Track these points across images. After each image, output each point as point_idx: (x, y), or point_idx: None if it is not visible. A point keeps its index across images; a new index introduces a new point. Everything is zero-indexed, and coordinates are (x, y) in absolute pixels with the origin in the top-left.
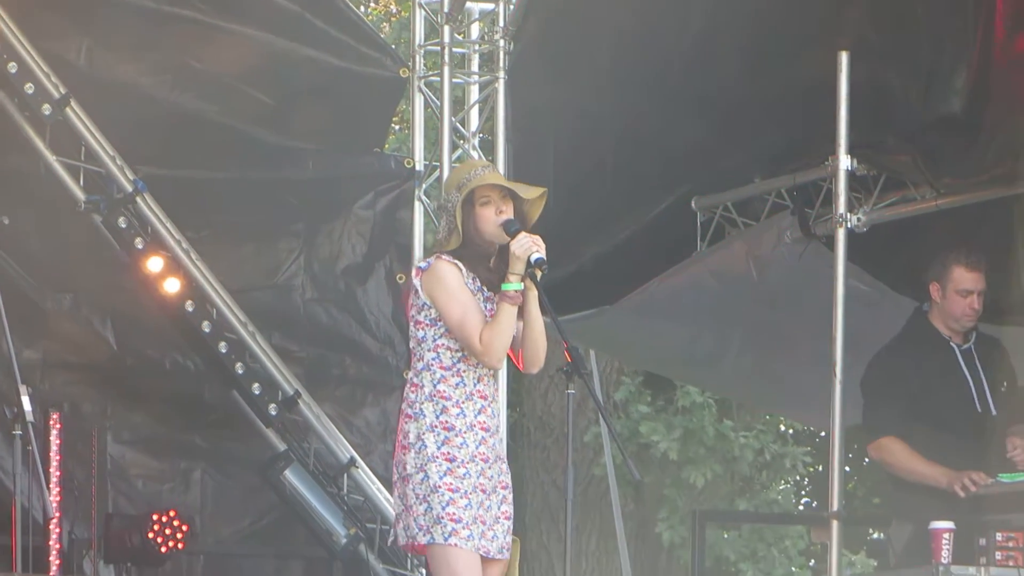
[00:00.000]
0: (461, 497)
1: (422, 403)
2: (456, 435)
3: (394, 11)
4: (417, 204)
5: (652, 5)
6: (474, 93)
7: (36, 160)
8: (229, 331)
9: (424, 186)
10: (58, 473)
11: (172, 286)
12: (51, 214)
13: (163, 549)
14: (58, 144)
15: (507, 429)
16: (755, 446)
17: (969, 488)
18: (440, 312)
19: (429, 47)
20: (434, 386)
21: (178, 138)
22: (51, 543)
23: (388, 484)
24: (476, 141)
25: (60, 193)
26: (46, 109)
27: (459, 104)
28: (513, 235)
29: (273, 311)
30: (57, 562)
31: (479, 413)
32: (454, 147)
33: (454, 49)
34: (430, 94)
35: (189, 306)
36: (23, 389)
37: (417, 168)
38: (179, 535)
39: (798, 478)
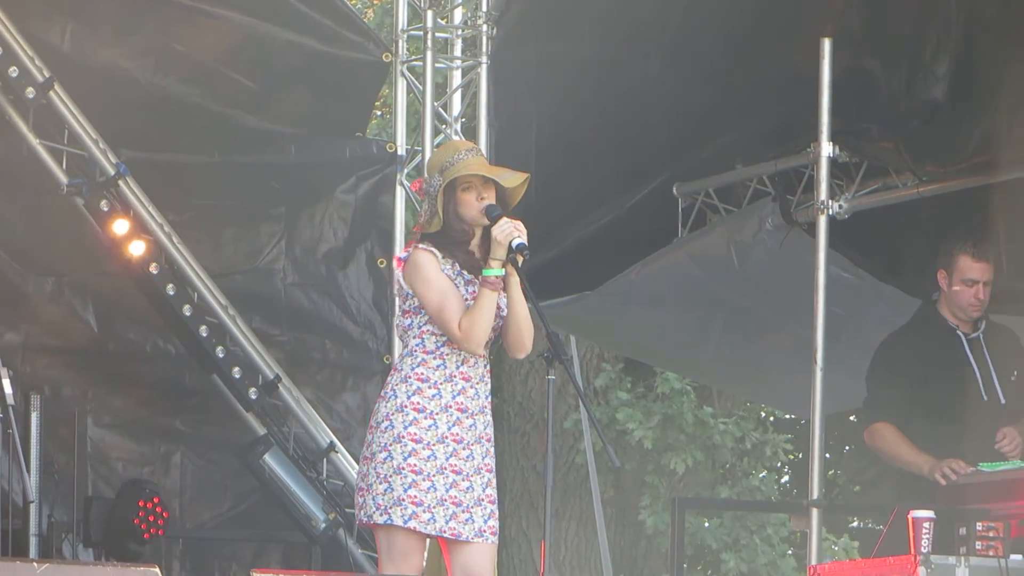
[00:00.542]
0: (424, 479)
1: (396, 385)
2: (426, 416)
3: None
4: (399, 189)
5: None
6: (456, 78)
7: (19, 143)
8: (210, 315)
9: (406, 170)
10: (38, 457)
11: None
12: (34, 197)
13: (146, 535)
14: (41, 127)
15: None
16: (735, 433)
17: (949, 476)
18: (420, 300)
19: (412, 32)
20: (412, 369)
21: (160, 122)
22: (30, 526)
23: None
24: (458, 126)
25: (43, 176)
26: (30, 92)
27: (441, 89)
28: (495, 220)
29: (254, 295)
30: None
31: (458, 394)
32: (436, 132)
33: (437, 34)
34: (413, 79)
35: (171, 289)
36: (4, 372)
37: (399, 153)
38: (160, 521)
39: (779, 465)
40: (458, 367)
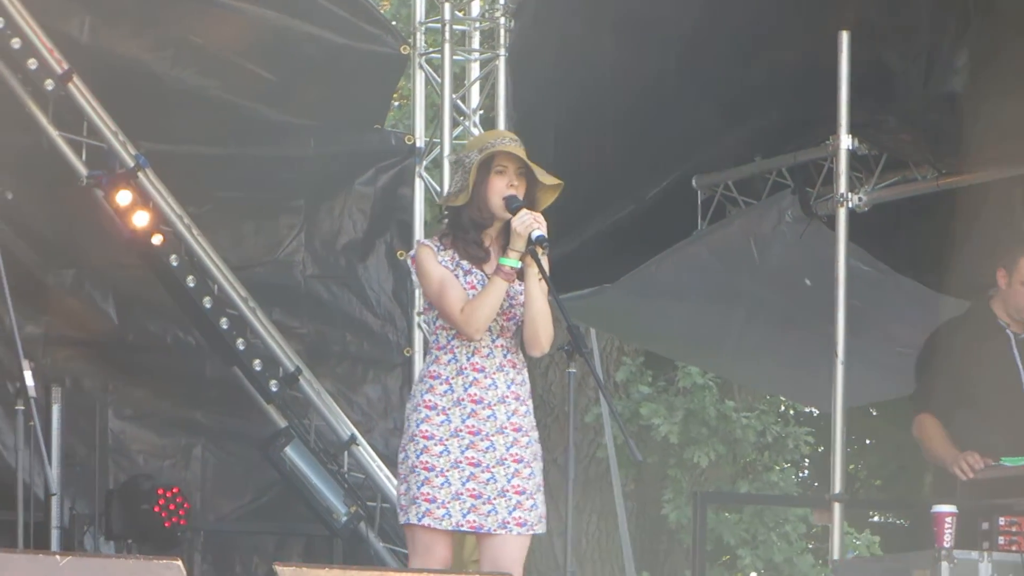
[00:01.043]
0: (437, 476)
1: (415, 385)
2: (438, 413)
3: None
4: (418, 181)
5: None
6: (475, 70)
7: (39, 135)
8: (230, 307)
9: (424, 163)
10: (60, 449)
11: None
12: (54, 189)
13: (167, 524)
14: (61, 119)
15: None
16: (757, 427)
17: (965, 470)
18: (423, 292)
19: (430, 24)
20: (427, 368)
21: (179, 114)
22: (52, 519)
23: (388, 462)
24: (477, 118)
25: (63, 168)
26: (49, 84)
27: (459, 81)
28: (515, 211)
29: (274, 287)
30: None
31: (470, 386)
32: (455, 124)
33: (455, 26)
34: (431, 71)
35: (191, 281)
36: (25, 364)
37: (418, 145)
38: (181, 512)
39: (800, 458)
40: (468, 359)
